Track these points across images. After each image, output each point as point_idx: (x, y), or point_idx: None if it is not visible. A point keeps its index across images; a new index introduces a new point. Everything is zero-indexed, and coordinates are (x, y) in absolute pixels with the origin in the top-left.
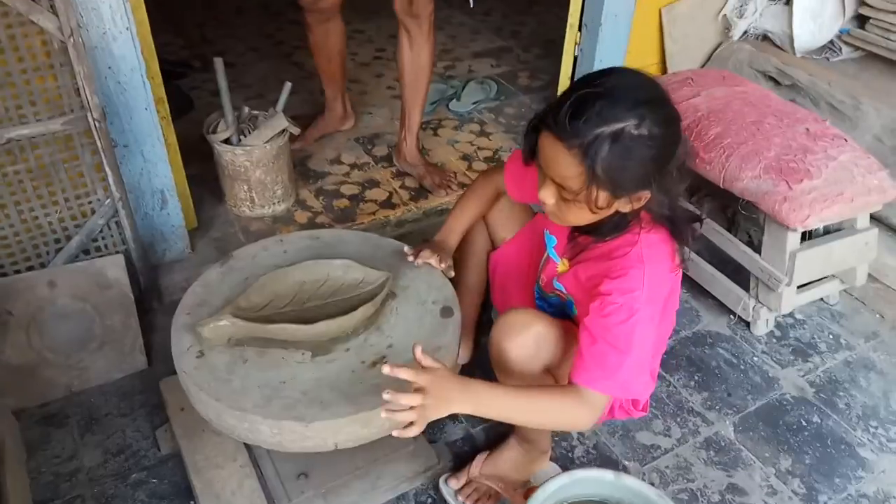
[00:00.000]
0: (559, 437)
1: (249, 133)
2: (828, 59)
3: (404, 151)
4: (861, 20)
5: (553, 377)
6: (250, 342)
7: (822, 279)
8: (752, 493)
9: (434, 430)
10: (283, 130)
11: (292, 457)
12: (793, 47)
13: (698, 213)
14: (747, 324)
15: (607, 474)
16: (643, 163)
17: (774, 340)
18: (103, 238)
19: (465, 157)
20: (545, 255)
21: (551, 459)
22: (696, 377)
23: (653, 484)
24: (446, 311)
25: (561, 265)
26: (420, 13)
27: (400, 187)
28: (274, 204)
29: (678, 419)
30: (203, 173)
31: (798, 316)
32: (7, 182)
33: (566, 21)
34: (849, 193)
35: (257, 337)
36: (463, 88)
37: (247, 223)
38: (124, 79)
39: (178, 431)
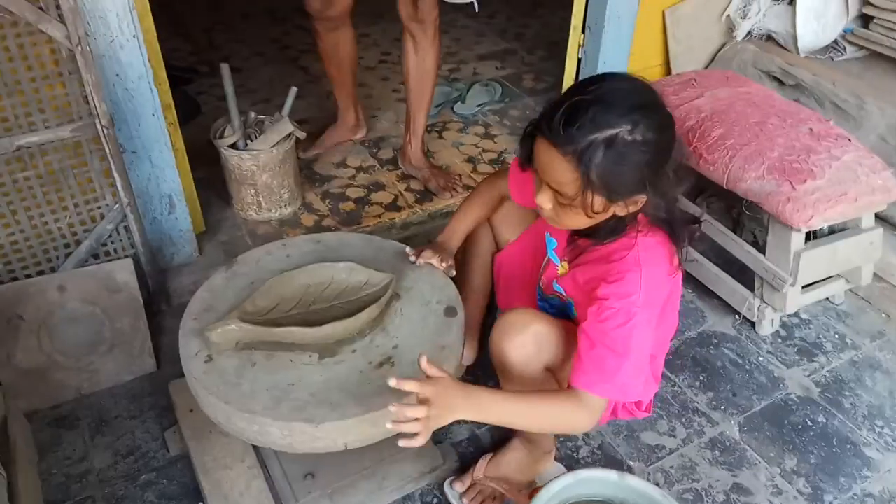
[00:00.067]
0: (564, 437)
1: (256, 138)
2: (832, 58)
3: (409, 154)
4: (865, 19)
5: (555, 378)
6: (258, 346)
7: (827, 279)
8: (757, 493)
9: (439, 432)
10: (290, 135)
11: (299, 457)
12: (797, 47)
13: (696, 214)
14: (752, 324)
15: (611, 474)
16: (638, 168)
17: (780, 340)
18: (112, 242)
19: (470, 160)
20: (546, 257)
21: (556, 460)
22: (702, 377)
23: (658, 484)
24: (450, 311)
25: (561, 268)
26: (425, 19)
27: (405, 190)
28: (280, 207)
29: (683, 419)
30: (210, 177)
31: (803, 316)
32: (17, 188)
33: (570, 23)
34: (852, 193)
35: (265, 340)
36: (468, 91)
37: (254, 226)
38: (132, 86)
39: (187, 433)
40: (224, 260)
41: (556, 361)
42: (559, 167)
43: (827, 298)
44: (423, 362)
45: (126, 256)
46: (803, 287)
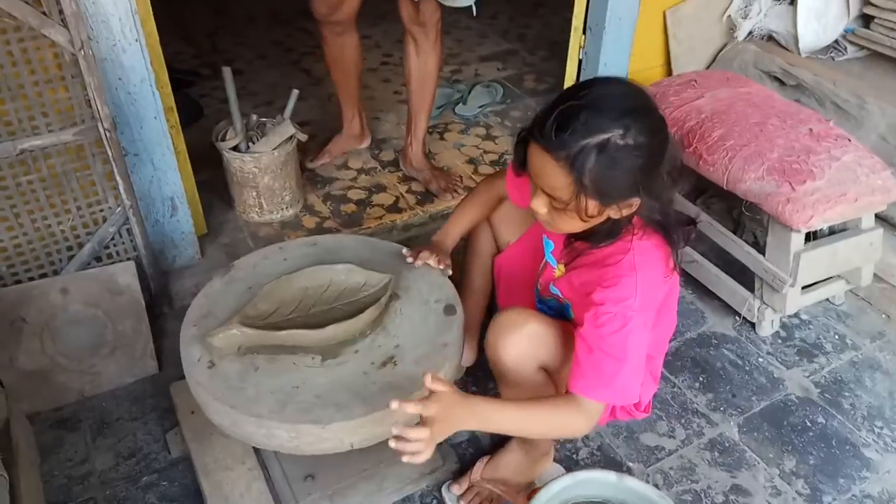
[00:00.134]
0: (564, 439)
1: (258, 140)
2: (833, 58)
3: (410, 156)
4: (866, 19)
5: (553, 380)
6: (260, 350)
7: (827, 279)
8: (756, 494)
9: None
10: (291, 137)
11: (299, 459)
12: (798, 47)
13: (693, 215)
14: (752, 325)
15: (610, 475)
16: (630, 172)
17: (780, 341)
18: (115, 245)
19: (471, 161)
20: (544, 259)
21: (555, 461)
22: (701, 378)
23: (657, 485)
24: (449, 309)
25: (558, 270)
26: (427, 22)
27: (406, 192)
28: (282, 210)
29: (682, 420)
30: (213, 180)
31: (803, 316)
32: (20, 191)
33: (571, 24)
34: (852, 194)
35: (266, 344)
36: (469, 92)
37: (255, 229)
38: (134, 89)
39: (188, 434)
40: (226, 262)
41: (552, 361)
42: (552, 172)
43: (827, 299)
44: (428, 379)
45: (128, 259)
46: (803, 288)
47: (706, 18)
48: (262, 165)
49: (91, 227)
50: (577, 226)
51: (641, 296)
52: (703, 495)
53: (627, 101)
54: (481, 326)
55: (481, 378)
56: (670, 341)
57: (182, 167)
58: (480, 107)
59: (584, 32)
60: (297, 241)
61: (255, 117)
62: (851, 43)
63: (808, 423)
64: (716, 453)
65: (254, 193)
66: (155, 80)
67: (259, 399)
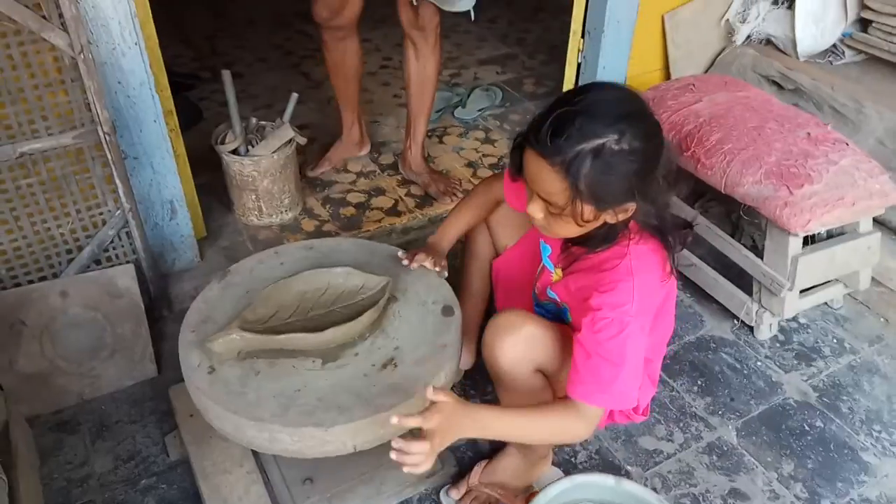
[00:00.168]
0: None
1: (257, 143)
2: (831, 62)
3: (409, 160)
4: (863, 24)
5: (550, 383)
6: (259, 354)
7: (825, 283)
8: (754, 498)
9: None
10: (290, 140)
11: (298, 462)
12: (796, 51)
13: (689, 218)
14: (751, 328)
15: (608, 479)
16: (625, 177)
17: (778, 345)
18: (114, 248)
19: (470, 164)
20: (541, 263)
21: (554, 464)
22: (700, 382)
23: (655, 489)
24: (447, 310)
25: (555, 274)
26: (426, 26)
27: (405, 195)
28: (281, 213)
29: (681, 424)
30: (212, 183)
31: (802, 320)
32: (20, 195)
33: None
34: (850, 198)
35: (266, 349)
36: (468, 96)
37: (255, 232)
38: (133, 93)
39: (187, 437)
40: (225, 265)
41: (549, 364)
42: (548, 178)
43: (826, 303)
44: (430, 391)
45: (128, 262)
46: (801, 291)
47: (704, 22)
48: (261, 169)
49: (90, 231)
50: (573, 230)
51: (638, 300)
52: (701, 499)
53: (622, 107)
54: (479, 330)
55: (480, 382)
56: (668, 345)
57: (181, 170)
58: (479, 110)
59: (582, 36)
60: (293, 245)
61: (254, 120)
62: (849, 47)
63: (807, 427)
64: (714, 457)
65: (253, 197)
66: (154, 84)
67: (261, 403)
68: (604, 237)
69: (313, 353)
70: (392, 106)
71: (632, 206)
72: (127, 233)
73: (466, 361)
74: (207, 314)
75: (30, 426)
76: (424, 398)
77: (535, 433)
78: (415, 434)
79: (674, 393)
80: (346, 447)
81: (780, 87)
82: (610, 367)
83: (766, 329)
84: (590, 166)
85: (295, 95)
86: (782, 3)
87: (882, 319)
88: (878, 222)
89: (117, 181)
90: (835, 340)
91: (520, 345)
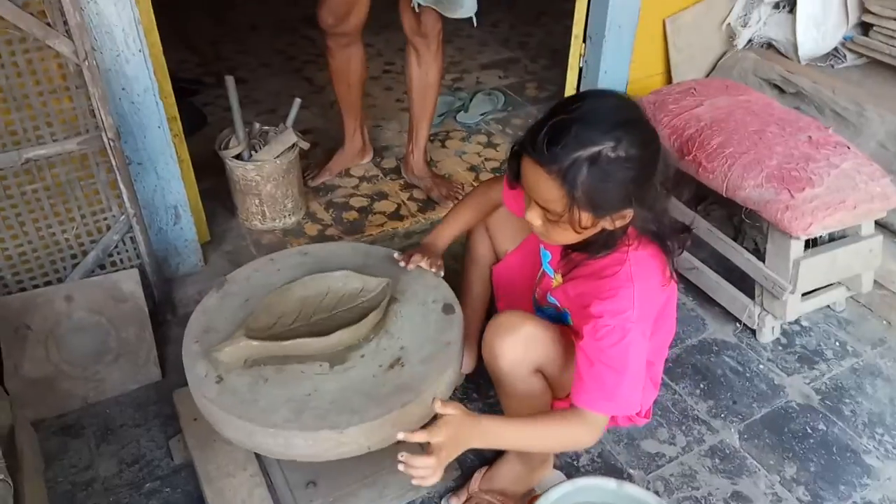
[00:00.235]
0: None
1: (260, 148)
2: (832, 66)
3: (412, 164)
4: (864, 27)
5: (551, 386)
6: (265, 361)
7: (827, 286)
8: (756, 501)
9: None
10: (293, 145)
11: (301, 466)
12: (797, 55)
13: (687, 221)
14: (753, 331)
15: (610, 482)
16: (623, 184)
17: (780, 348)
18: (118, 253)
19: (473, 169)
20: (541, 269)
21: (556, 468)
22: (702, 385)
23: (657, 492)
24: (448, 309)
25: (555, 280)
26: (428, 33)
27: (408, 199)
28: (285, 217)
29: (683, 427)
30: (216, 187)
31: (804, 323)
32: (25, 200)
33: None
34: (851, 201)
35: (272, 355)
36: (470, 100)
37: (258, 236)
38: (138, 99)
39: (191, 441)
40: (229, 269)
41: (548, 364)
42: (545, 185)
43: (828, 306)
44: (438, 405)
45: (132, 267)
46: (803, 294)
47: (706, 27)
48: (264, 173)
49: (95, 236)
50: (571, 237)
51: (639, 307)
52: (703, 502)
53: (618, 114)
54: (480, 334)
55: (482, 385)
56: (671, 348)
57: (185, 175)
58: (482, 115)
59: (584, 41)
60: (289, 252)
61: (257, 126)
62: (850, 51)
63: (809, 430)
64: (716, 460)
65: (256, 201)
66: (158, 90)
67: (273, 409)
68: (603, 243)
69: (320, 358)
70: (394, 111)
71: (629, 213)
72: (131, 237)
73: (468, 365)
74: (208, 324)
75: (35, 430)
76: (433, 397)
77: (541, 442)
78: (423, 446)
79: (676, 396)
80: (362, 448)
81: (781, 90)
82: (613, 374)
83: (769, 332)
84: (586, 174)
85: (298, 100)
86: (783, 7)
87: (884, 322)
88: (880, 225)
89: (122, 186)
90: (837, 343)
91: (519, 345)
